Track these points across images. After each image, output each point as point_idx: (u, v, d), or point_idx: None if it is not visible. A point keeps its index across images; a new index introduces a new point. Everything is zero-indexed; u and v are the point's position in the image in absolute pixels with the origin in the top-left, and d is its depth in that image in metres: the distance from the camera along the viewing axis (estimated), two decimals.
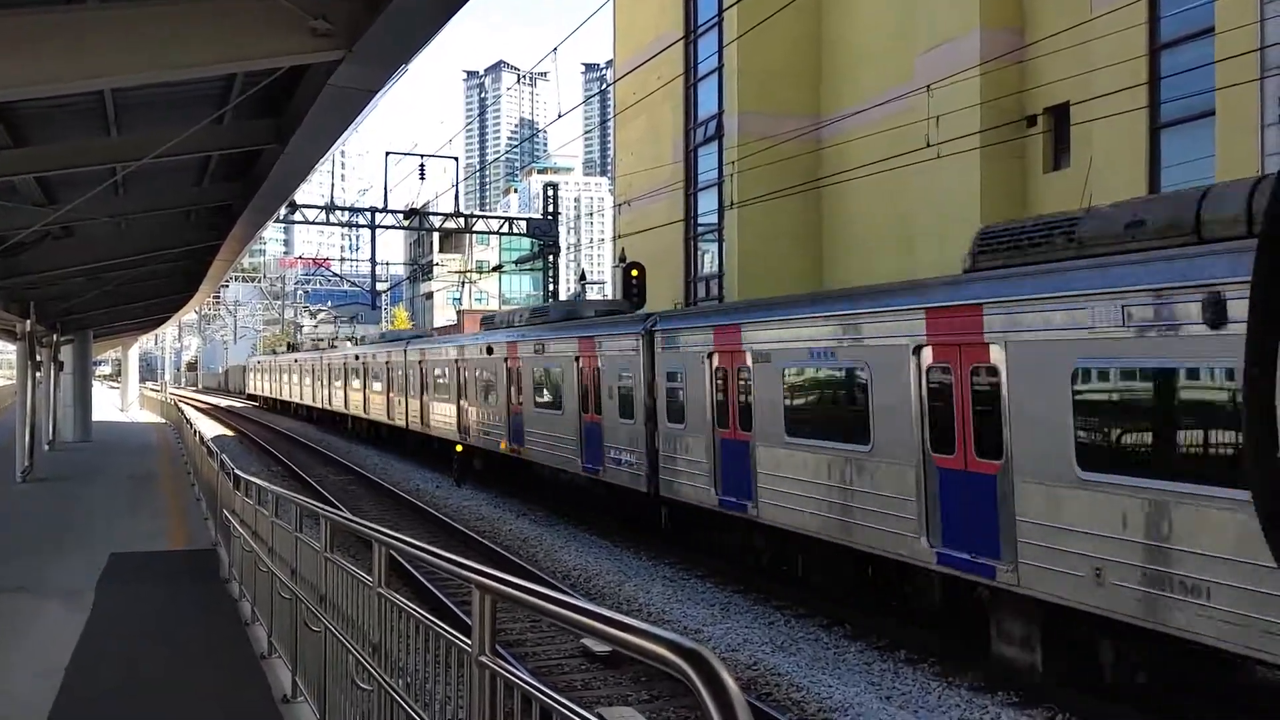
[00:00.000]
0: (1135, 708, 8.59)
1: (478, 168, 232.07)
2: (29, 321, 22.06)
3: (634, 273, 28.58)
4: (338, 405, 42.52)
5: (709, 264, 34.28)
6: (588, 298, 46.62)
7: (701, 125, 34.26)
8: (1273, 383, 1.36)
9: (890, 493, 10.54)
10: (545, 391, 20.20)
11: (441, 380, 27.33)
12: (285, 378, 56.97)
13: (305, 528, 6.87)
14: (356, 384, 38.87)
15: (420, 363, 29.47)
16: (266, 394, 64.92)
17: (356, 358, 38.92)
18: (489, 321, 26.44)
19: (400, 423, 32.11)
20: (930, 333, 10.05)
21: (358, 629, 4.91)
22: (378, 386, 35.10)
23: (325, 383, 44.94)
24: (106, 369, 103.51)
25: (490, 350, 23.07)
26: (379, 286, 56.39)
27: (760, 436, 12.84)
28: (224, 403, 71.85)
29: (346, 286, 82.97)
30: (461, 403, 25.44)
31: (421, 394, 29.37)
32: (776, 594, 12.99)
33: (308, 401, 49.99)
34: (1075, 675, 9.22)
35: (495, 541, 16.95)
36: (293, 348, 66.10)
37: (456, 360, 25.84)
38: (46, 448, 27.11)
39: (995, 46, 22.34)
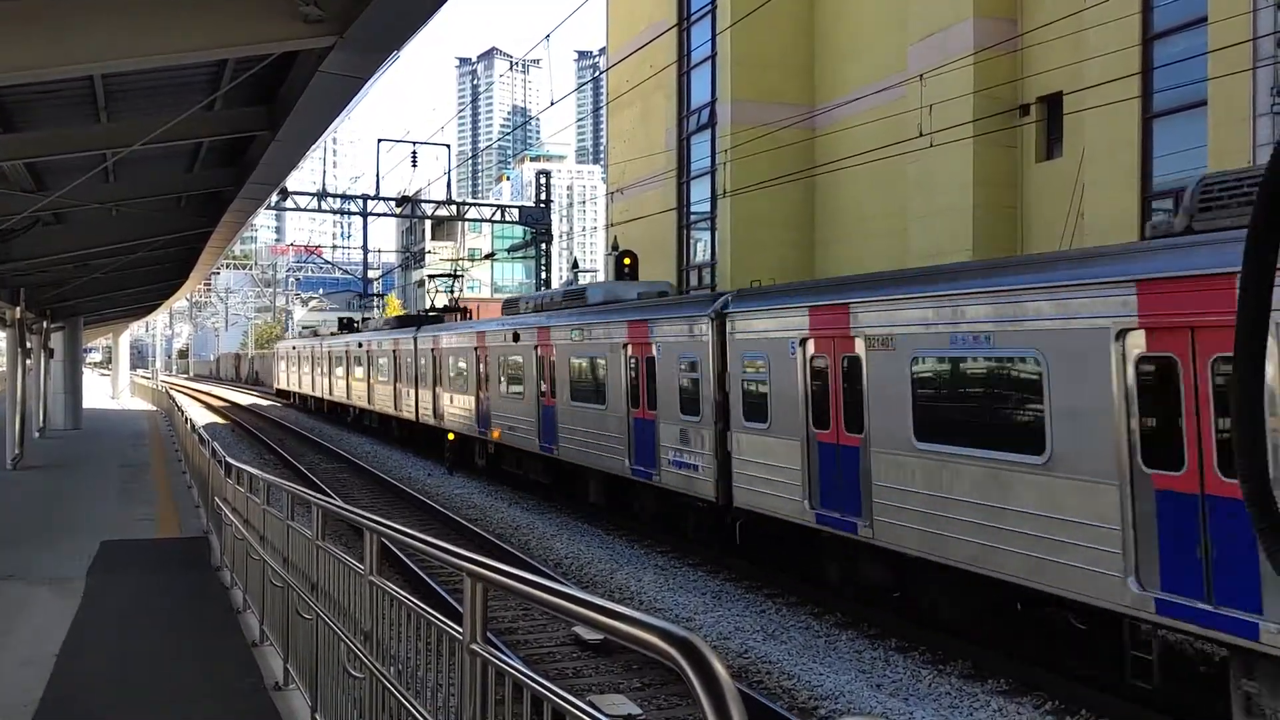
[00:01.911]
0: (1121, 696, 8.65)
1: (470, 155, 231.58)
2: (19, 308, 21.97)
3: (626, 260, 28.56)
4: (470, 421, 23.82)
5: (702, 252, 34.26)
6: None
7: (694, 113, 34.18)
8: (1261, 411, 1.27)
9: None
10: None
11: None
12: (342, 370, 38.24)
13: (297, 516, 6.87)
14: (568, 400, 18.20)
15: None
16: (308, 392, 46.46)
17: (543, 340, 19.12)
18: None
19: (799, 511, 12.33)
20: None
21: (349, 617, 4.91)
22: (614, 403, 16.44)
23: (425, 384, 27.38)
24: (97, 356, 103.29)
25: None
26: (370, 274, 56.27)
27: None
28: (228, 394, 71.58)
29: (338, 274, 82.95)
30: None
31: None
32: (768, 583, 13.05)
33: (385, 409, 31.83)
34: (1066, 665, 9.27)
35: (487, 529, 16.95)
36: (349, 326, 43.92)
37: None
38: (37, 435, 27.05)
39: (988, 35, 22.34)
